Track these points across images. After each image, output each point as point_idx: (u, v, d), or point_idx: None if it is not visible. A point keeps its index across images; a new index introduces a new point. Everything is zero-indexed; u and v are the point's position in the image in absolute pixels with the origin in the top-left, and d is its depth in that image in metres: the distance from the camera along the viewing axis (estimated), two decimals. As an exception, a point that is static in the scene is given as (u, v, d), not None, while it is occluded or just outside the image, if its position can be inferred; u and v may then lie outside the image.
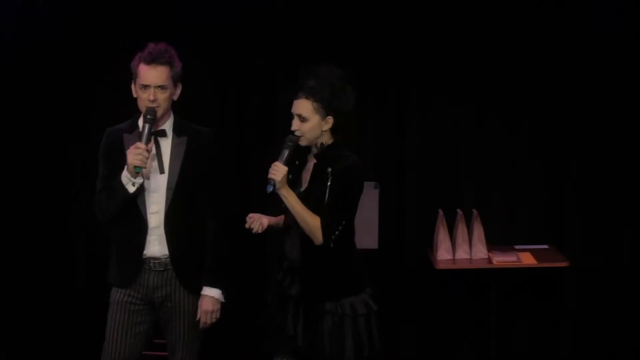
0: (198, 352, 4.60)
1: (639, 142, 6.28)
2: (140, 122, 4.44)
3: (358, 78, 6.18)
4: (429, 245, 6.16)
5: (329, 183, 4.28)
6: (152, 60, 4.36)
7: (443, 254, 6.02)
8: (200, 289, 4.51)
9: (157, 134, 4.43)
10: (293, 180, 4.40)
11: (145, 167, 4.31)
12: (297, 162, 4.42)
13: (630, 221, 6.31)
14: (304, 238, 4.33)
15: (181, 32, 5.79)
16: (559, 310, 6.38)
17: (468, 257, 6.02)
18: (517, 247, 6.18)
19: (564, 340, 6.39)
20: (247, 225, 4.41)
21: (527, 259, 5.96)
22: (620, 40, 6.22)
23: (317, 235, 4.26)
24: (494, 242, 6.14)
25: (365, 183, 5.92)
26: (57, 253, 6.28)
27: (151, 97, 4.35)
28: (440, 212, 6.10)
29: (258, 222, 4.40)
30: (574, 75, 6.27)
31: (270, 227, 4.48)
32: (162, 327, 4.57)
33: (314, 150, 4.38)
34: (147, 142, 4.32)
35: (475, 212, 6.09)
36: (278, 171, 4.25)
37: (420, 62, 6.29)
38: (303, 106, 4.30)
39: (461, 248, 6.02)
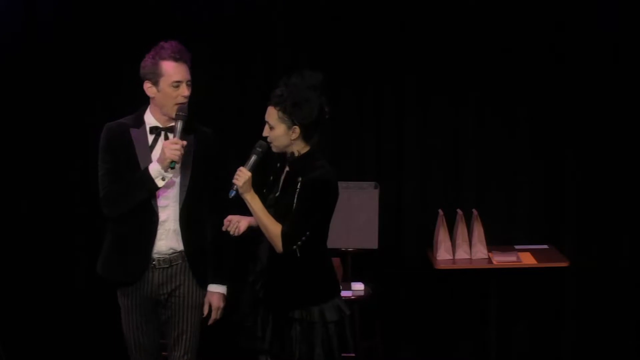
0: (197, 350, 4.61)
1: (639, 142, 6.28)
2: (147, 117, 4.47)
3: (358, 78, 6.30)
4: (429, 245, 6.16)
5: (297, 192, 4.26)
6: (180, 57, 4.40)
7: (443, 254, 6.02)
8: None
9: (167, 130, 4.46)
10: (271, 184, 4.41)
11: (179, 163, 4.36)
12: (278, 165, 4.42)
13: (630, 221, 6.31)
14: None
15: (181, 32, 5.78)
16: (559, 310, 6.38)
17: (468, 257, 6.02)
18: (517, 247, 6.18)
19: (564, 340, 6.38)
20: (224, 228, 4.41)
21: (527, 259, 5.96)
22: (620, 40, 6.22)
23: (277, 243, 4.25)
24: (494, 242, 6.13)
25: (365, 183, 6.00)
26: (57, 253, 6.28)
27: (186, 93, 4.41)
28: (440, 212, 6.09)
29: (235, 224, 4.39)
30: (574, 75, 6.27)
31: (250, 229, 4.45)
32: (164, 323, 4.58)
33: (289, 158, 4.36)
34: (181, 138, 4.37)
35: (475, 212, 6.08)
36: (241, 176, 4.26)
37: (420, 62, 6.29)
38: (270, 114, 4.30)
39: (461, 248, 6.02)
